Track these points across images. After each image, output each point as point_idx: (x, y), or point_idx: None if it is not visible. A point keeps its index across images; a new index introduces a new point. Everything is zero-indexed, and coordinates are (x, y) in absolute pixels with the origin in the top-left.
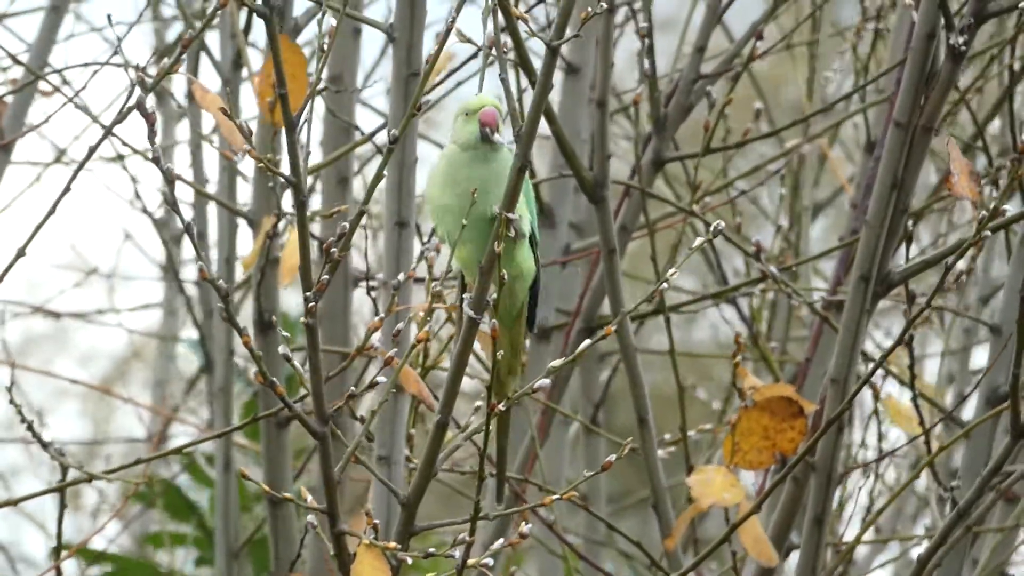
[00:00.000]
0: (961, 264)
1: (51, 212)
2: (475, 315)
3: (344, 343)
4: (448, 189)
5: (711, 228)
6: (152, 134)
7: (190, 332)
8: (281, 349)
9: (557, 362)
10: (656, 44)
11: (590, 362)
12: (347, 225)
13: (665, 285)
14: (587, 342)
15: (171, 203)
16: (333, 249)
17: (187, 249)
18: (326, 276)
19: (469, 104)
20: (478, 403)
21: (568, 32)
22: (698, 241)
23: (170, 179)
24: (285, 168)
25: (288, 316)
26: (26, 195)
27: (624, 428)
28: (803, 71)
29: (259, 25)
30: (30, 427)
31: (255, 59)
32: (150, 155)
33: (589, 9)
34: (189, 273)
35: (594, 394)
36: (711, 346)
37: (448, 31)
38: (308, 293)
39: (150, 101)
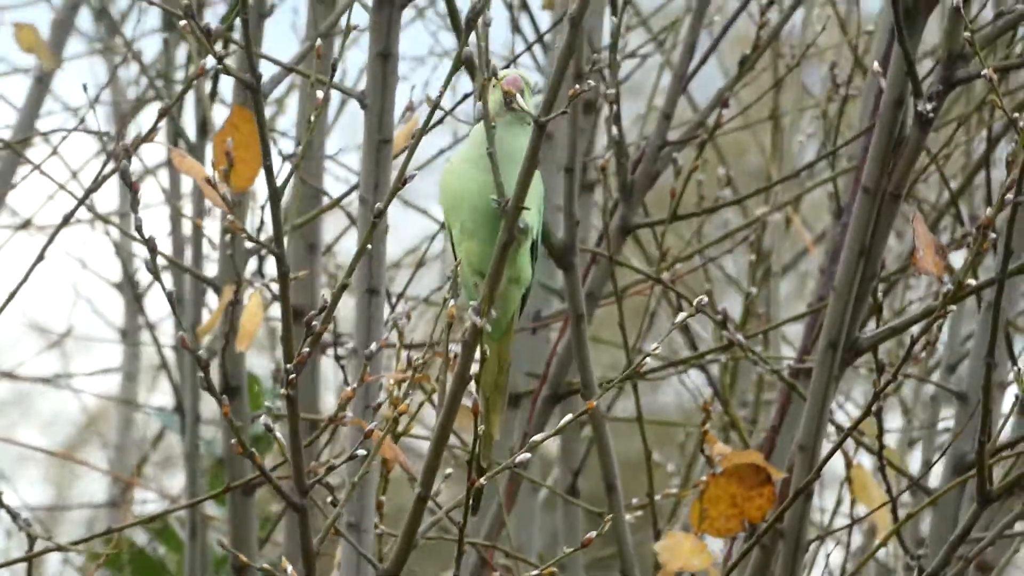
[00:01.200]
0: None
1: (25, 278)
2: (479, 320)
3: (312, 409)
4: (470, 169)
5: (694, 302)
6: (135, 202)
7: (154, 397)
8: (263, 420)
9: (540, 436)
10: (622, 110)
11: (571, 430)
12: (327, 298)
13: (648, 361)
14: (569, 417)
15: (153, 272)
16: (315, 322)
17: (150, 313)
18: (306, 349)
19: (500, 73)
20: (449, 470)
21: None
22: (681, 316)
23: (152, 248)
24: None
25: (258, 380)
26: None
27: (592, 493)
28: (770, 138)
29: (224, 89)
30: None
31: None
32: (133, 224)
33: (576, 86)
34: (149, 338)
35: (573, 461)
36: (675, 411)
37: (434, 106)
38: (288, 365)
39: (114, 167)
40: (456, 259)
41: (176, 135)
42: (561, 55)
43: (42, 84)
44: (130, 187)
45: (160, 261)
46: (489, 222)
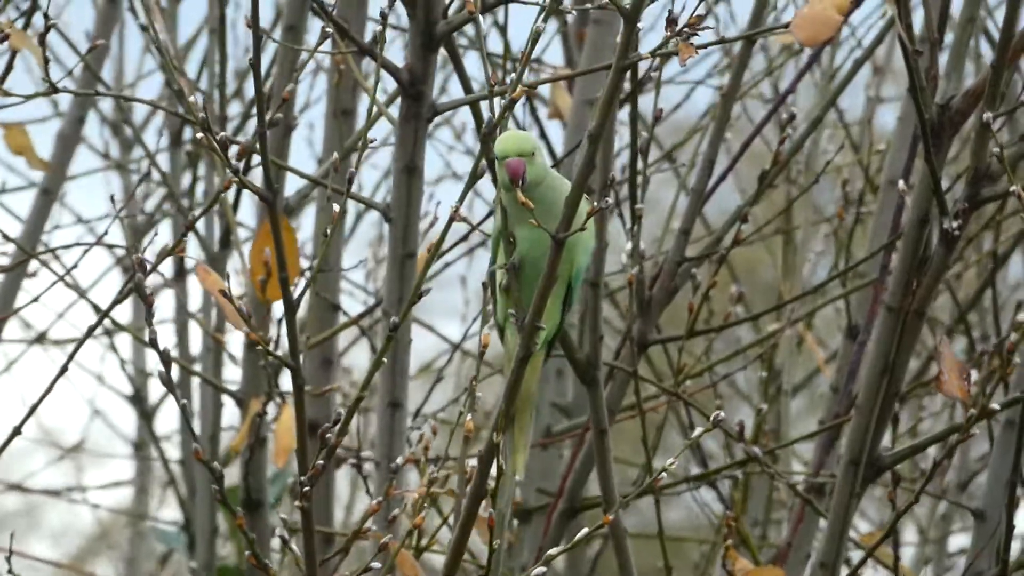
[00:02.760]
0: (936, 451)
1: (48, 391)
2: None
3: (326, 522)
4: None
5: (711, 417)
6: (150, 316)
7: (167, 511)
8: (278, 531)
9: (555, 550)
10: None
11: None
12: (342, 411)
13: (664, 475)
14: (585, 531)
15: (167, 384)
16: (329, 435)
17: (160, 426)
18: (321, 461)
19: (496, 148)
20: None
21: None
22: (698, 431)
23: (166, 360)
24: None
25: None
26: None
27: None
28: (783, 255)
29: (247, 203)
30: None
31: (244, 236)
32: (147, 336)
33: (595, 203)
34: (164, 451)
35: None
36: (686, 526)
37: (451, 219)
38: (303, 478)
39: (131, 281)
40: (496, 281)
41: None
42: (580, 171)
43: (48, 196)
44: (145, 301)
45: (177, 373)
46: (536, 268)
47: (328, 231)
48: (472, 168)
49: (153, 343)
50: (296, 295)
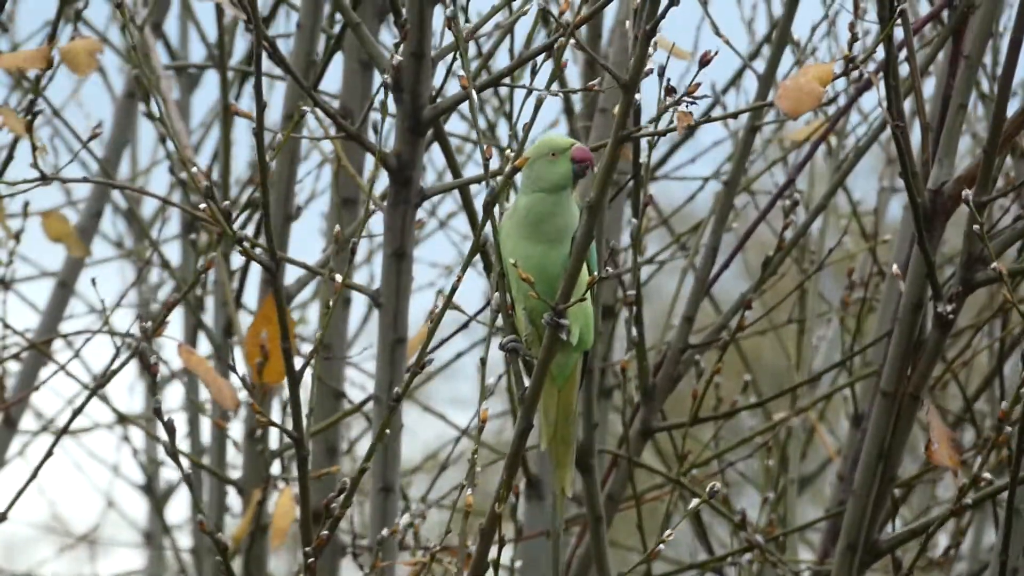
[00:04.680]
0: (946, 539)
1: (33, 475)
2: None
3: None
4: (532, 240)
5: (707, 489)
6: (154, 385)
7: None
8: None
9: None
10: (644, 314)
11: None
12: (347, 481)
13: (661, 546)
14: None
15: (171, 453)
16: (334, 504)
17: (172, 516)
18: (325, 532)
19: (554, 142)
20: None
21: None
22: (695, 502)
23: (171, 430)
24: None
25: None
26: (16, 464)
27: None
28: (790, 342)
29: (250, 291)
30: None
31: (246, 326)
32: (152, 406)
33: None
34: (175, 540)
35: None
36: None
37: (445, 307)
38: (307, 548)
39: (137, 362)
40: (505, 296)
41: (195, 329)
42: (579, 243)
43: (65, 288)
44: (148, 369)
45: (184, 464)
46: (550, 288)
47: (331, 302)
48: (472, 245)
49: (157, 412)
50: (295, 366)
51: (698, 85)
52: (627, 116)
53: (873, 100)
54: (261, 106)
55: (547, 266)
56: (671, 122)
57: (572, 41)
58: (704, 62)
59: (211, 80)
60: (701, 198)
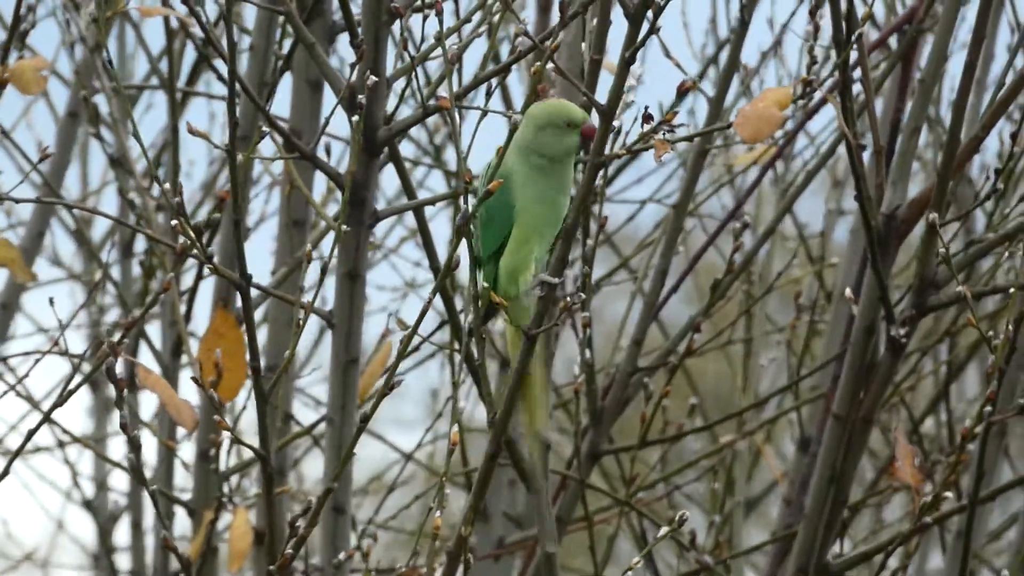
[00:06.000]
0: (894, 561)
1: None
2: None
3: None
4: (547, 204)
5: (677, 518)
6: (121, 400)
7: None
8: None
9: None
10: (593, 338)
11: None
12: (312, 500)
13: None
14: None
15: (136, 470)
16: (299, 523)
17: (119, 537)
18: (289, 551)
19: (570, 113)
20: None
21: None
22: (664, 530)
23: (136, 445)
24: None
25: None
26: None
27: None
28: (737, 363)
29: (200, 315)
30: None
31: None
32: (120, 421)
33: (568, 299)
34: (123, 562)
35: None
36: None
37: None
38: (272, 567)
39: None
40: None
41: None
42: (552, 268)
43: (7, 310)
44: (116, 385)
45: (128, 487)
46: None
47: (300, 323)
48: (444, 265)
49: (124, 427)
50: (242, 402)
51: (676, 113)
52: (604, 143)
53: (819, 123)
54: (234, 126)
55: (560, 215)
56: (636, 144)
57: (531, 64)
58: (682, 92)
59: (149, 99)
60: (644, 218)
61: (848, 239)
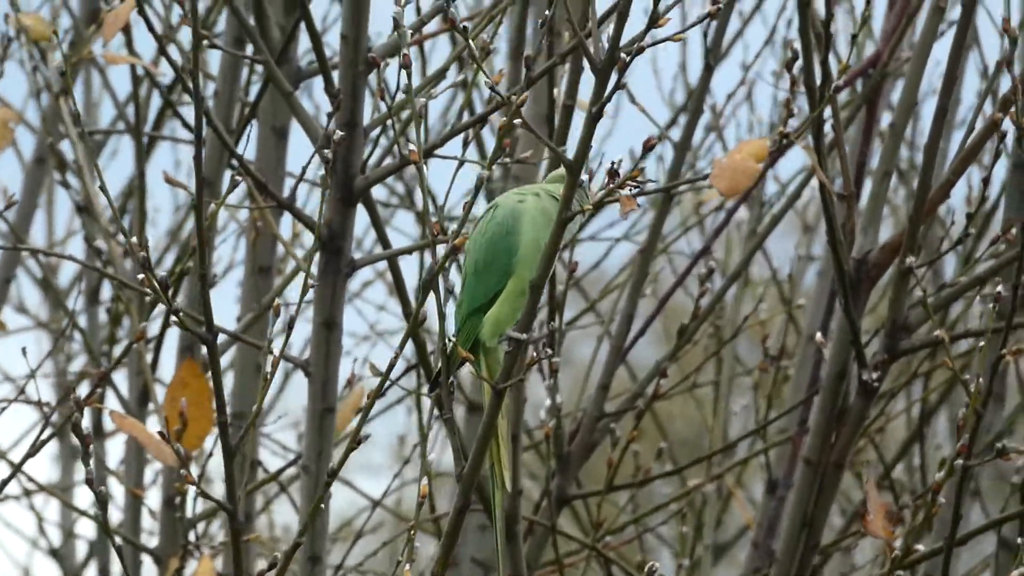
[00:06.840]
0: None
1: None
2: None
3: None
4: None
5: (647, 569)
6: (87, 455)
7: None
8: None
9: None
10: (560, 382)
11: None
12: (278, 555)
13: None
14: None
15: (104, 526)
16: (269, 573)
17: None
18: None
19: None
20: None
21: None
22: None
23: (102, 500)
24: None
25: None
26: None
27: None
28: (706, 406)
29: (167, 360)
30: None
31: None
32: (86, 476)
33: (534, 354)
34: None
35: None
36: None
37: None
38: None
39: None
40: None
41: (118, 404)
42: (521, 322)
43: None
44: (82, 441)
45: (95, 535)
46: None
47: (269, 374)
48: (413, 317)
49: (89, 483)
50: (209, 447)
51: (642, 169)
52: (572, 197)
53: (787, 168)
54: (200, 176)
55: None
56: (603, 198)
57: (501, 117)
58: (648, 147)
59: (115, 144)
60: (611, 259)
61: (815, 281)
